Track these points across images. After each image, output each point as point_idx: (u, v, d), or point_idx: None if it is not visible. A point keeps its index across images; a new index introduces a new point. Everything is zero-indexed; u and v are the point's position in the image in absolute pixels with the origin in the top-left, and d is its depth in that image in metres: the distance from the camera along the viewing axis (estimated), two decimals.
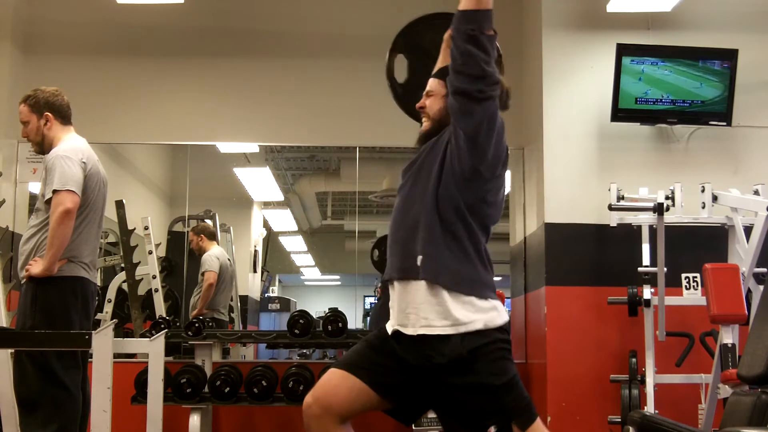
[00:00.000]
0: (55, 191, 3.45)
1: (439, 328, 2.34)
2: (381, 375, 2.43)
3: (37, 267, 3.44)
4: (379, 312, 7.29)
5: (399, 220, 2.50)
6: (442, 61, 2.71)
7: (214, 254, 5.93)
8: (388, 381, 2.43)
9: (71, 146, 3.60)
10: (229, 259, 6.15)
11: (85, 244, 3.58)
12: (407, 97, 2.97)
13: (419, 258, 2.38)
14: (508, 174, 3.35)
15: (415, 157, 2.58)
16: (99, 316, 5.35)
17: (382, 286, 7.16)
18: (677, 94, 4.65)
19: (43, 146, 3.67)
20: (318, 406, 2.40)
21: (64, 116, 3.70)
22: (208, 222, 6.31)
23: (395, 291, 2.46)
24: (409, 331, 2.39)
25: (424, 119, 2.61)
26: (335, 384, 2.43)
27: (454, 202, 2.39)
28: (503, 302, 3.82)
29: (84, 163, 3.56)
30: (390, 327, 2.47)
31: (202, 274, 5.87)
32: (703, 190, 4.44)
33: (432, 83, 2.61)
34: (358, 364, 2.45)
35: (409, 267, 2.40)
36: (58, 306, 3.50)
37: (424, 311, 2.37)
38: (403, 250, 2.44)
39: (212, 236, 6.08)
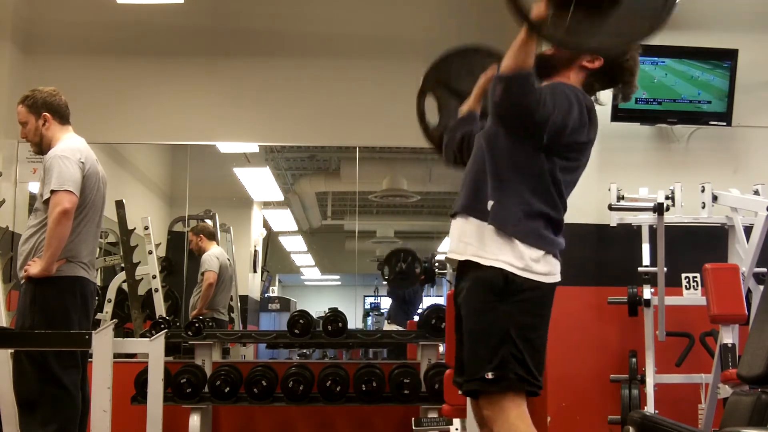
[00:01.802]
0: (52, 191, 3.44)
1: (486, 259, 2.39)
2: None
3: (35, 267, 3.44)
4: (398, 304, 7.29)
5: (478, 161, 2.52)
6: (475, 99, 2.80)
7: (213, 254, 5.93)
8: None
9: (69, 146, 3.59)
10: (228, 259, 6.14)
11: (84, 243, 3.57)
12: (441, 138, 2.89)
13: (489, 203, 2.42)
14: None
15: None
16: (99, 316, 5.34)
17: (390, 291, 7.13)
18: (677, 93, 4.65)
19: (41, 146, 3.66)
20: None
21: (62, 116, 3.69)
22: (208, 222, 6.31)
23: (457, 222, 2.51)
24: (455, 256, 2.48)
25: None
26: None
27: (530, 157, 2.41)
28: None
29: (82, 162, 3.54)
30: (447, 254, 2.56)
31: (202, 273, 5.87)
32: (703, 190, 4.43)
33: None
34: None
35: (479, 208, 2.44)
36: (58, 306, 3.49)
37: (477, 242, 2.42)
38: (475, 192, 2.48)
39: (212, 236, 6.08)
